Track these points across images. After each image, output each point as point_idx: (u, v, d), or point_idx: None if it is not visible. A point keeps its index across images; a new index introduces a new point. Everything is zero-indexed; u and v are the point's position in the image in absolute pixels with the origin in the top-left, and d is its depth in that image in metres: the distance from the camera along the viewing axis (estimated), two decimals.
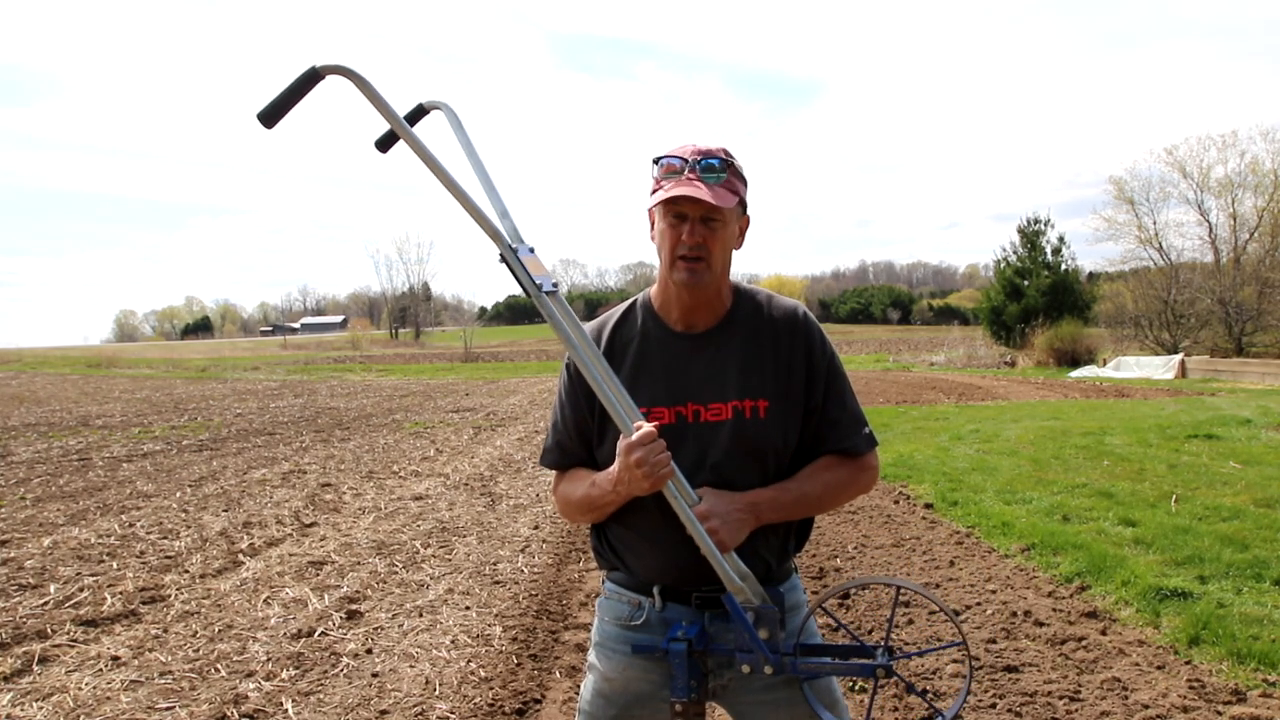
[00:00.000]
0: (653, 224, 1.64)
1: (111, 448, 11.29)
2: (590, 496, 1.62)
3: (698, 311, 1.65)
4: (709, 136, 1.61)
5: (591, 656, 1.75)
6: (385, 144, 1.63)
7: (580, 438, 1.71)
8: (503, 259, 1.51)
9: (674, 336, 1.66)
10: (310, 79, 1.44)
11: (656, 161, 1.60)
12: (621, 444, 1.50)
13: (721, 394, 1.61)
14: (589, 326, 1.70)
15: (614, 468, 1.54)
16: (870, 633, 4.15)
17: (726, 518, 1.52)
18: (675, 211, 1.56)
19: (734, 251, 1.65)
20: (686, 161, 1.56)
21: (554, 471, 1.79)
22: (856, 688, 3.46)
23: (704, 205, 1.54)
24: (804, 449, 1.66)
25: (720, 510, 1.52)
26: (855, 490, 1.69)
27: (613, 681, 1.69)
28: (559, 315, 1.51)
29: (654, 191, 1.59)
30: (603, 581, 1.78)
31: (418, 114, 1.67)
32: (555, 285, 1.53)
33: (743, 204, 1.62)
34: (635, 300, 1.75)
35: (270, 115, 1.46)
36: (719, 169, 1.56)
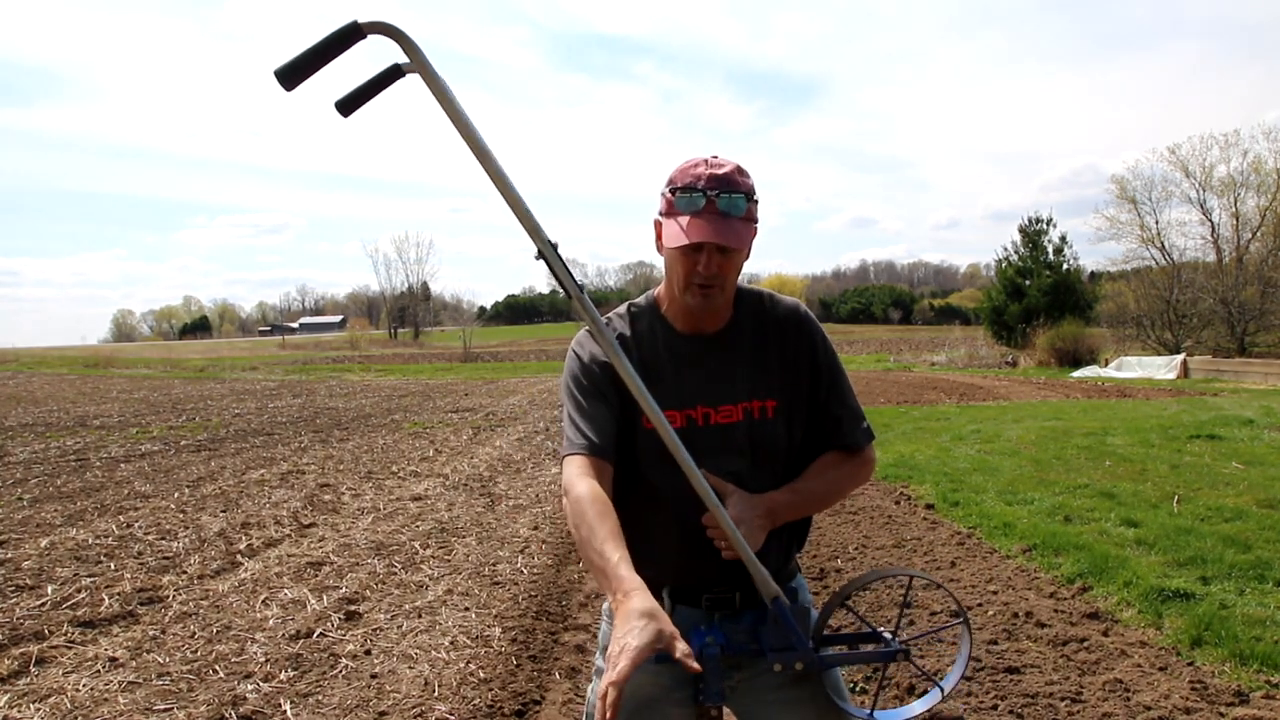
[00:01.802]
0: (659, 234, 1.60)
1: (109, 448, 11.27)
2: (594, 564, 1.39)
3: (705, 318, 1.64)
4: (713, 147, 1.56)
5: (599, 661, 1.72)
6: (348, 106, 1.36)
7: (609, 421, 1.57)
8: (541, 255, 1.41)
9: (681, 339, 1.65)
10: (349, 35, 1.23)
11: (672, 191, 1.53)
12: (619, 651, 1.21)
13: (731, 396, 1.61)
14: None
15: (622, 594, 1.30)
16: None
17: (751, 524, 1.51)
18: (692, 244, 1.50)
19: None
20: (705, 195, 1.48)
21: (574, 459, 1.52)
22: (858, 689, 3.44)
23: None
24: (806, 445, 1.68)
25: (746, 516, 1.51)
26: (856, 484, 1.73)
27: None
28: (598, 315, 1.47)
29: (667, 215, 1.54)
30: None
31: (393, 74, 1.35)
32: (583, 284, 1.47)
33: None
34: (640, 302, 1.72)
35: (291, 73, 1.22)
36: (739, 200, 1.50)
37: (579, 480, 1.48)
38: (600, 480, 1.49)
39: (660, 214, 1.58)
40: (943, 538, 5.88)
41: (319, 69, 1.25)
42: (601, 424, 1.56)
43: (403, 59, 1.32)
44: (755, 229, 1.59)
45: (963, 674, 1.57)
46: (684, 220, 1.49)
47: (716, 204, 1.48)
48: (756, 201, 1.55)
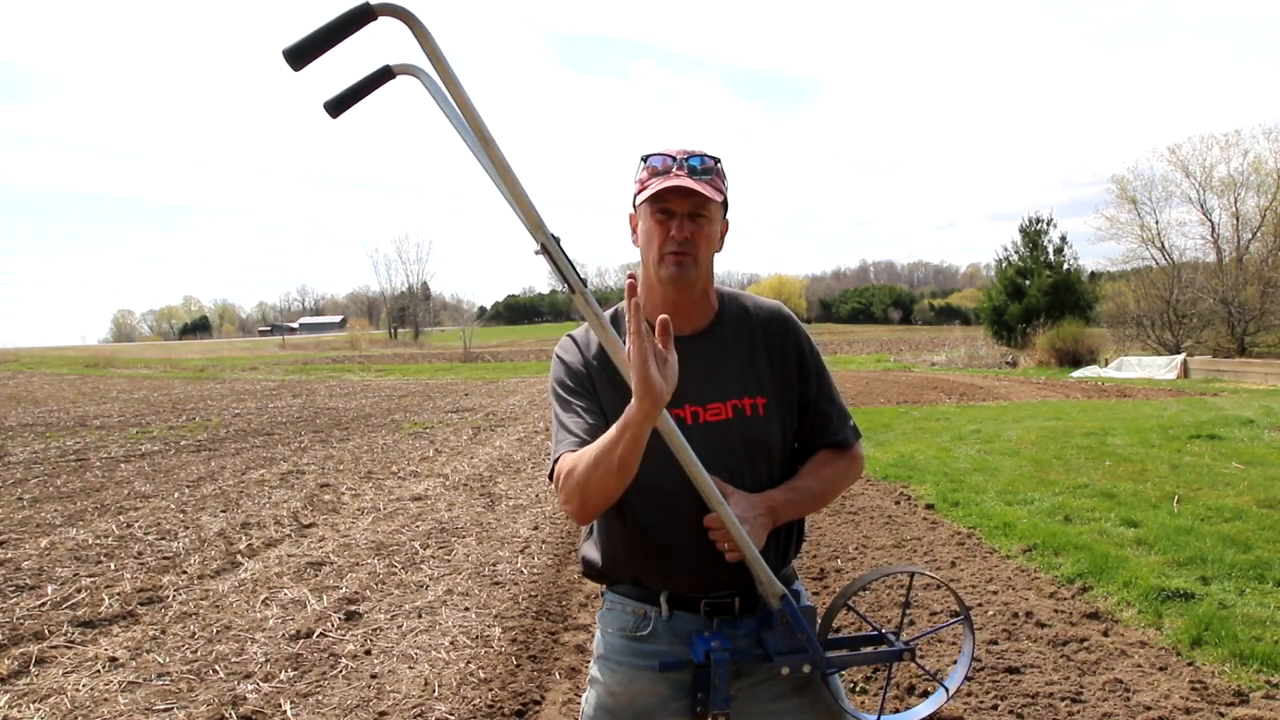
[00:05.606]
0: (634, 228, 1.62)
1: (109, 448, 11.27)
2: (607, 447, 1.38)
3: (685, 313, 1.61)
4: (696, 142, 1.58)
5: (594, 670, 1.69)
6: (337, 107, 1.36)
7: (598, 418, 1.56)
8: (544, 249, 1.36)
9: None
10: (360, 17, 1.21)
11: (644, 159, 1.58)
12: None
13: (720, 393, 1.60)
14: (579, 332, 1.68)
15: (628, 416, 1.34)
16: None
17: (755, 522, 1.50)
18: (662, 208, 1.54)
19: (715, 254, 1.63)
20: (674, 159, 1.54)
21: (565, 457, 1.52)
22: (858, 689, 3.44)
23: (693, 200, 1.52)
24: (797, 445, 1.68)
25: (749, 515, 1.50)
26: (849, 481, 1.73)
27: (618, 695, 1.63)
28: (601, 312, 1.44)
29: (640, 191, 1.57)
30: (602, 593, 1.74)
31: (383, 76, 1.36)
32: (585, 279, 1.44)
33: (725, 205, 1.61)
34: (620, 307, 1.68)
35: (299, 54, 1.20)
36: (705, 169, 1.54)
37: (565, 464, 1.50)
38: None
39: (634, 197, 1.59)
40: (943, 538, 5.88)
41: (328, 50, 1.23)
42: (589, 423, 1.56)
43: (412, 42, 1.30)
44: (726, 219, 1.62)
45: (967, 672, 1.57)
46: (654, 183, 1.53)
47: (685, 166, 1.53)
48: (726, 184, 1.59)
